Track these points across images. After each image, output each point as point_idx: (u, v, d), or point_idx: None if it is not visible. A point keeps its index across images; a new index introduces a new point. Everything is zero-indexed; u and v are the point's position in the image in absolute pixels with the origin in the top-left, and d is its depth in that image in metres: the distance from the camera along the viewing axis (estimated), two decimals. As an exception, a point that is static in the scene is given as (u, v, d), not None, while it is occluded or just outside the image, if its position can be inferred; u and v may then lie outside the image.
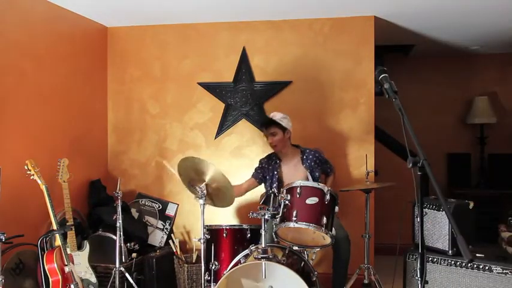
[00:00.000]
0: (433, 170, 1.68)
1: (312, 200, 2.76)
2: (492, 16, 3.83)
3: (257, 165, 3.57)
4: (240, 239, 2.98)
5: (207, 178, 2.92)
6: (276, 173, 3.44)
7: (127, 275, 3.23)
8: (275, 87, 4.02)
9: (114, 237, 3.30)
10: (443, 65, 5.32)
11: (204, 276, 2.89)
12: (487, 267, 2.75)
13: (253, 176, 3.55)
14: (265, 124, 3.43)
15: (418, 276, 1.77)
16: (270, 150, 4.05)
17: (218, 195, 3.06)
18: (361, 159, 3.85)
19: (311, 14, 3.89)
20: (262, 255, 2.52)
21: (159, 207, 3.97)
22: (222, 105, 4.09)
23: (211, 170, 2.88)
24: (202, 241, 2.89)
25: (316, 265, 3.84)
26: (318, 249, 2.99)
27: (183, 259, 3.64)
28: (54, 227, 2.83)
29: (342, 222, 3.41)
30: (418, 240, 1.80)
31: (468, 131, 5.31)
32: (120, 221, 3.22)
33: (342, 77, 3.96)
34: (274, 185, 3.38)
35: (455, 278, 2.86)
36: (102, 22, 4.15)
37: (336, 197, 2.86)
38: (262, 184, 3.56)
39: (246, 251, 2.79)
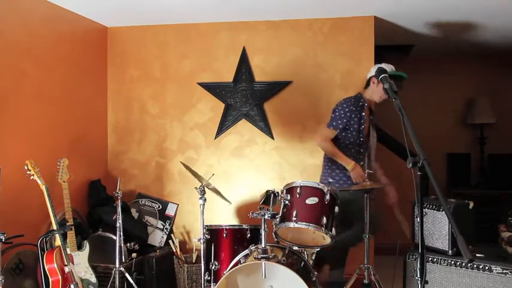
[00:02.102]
0: (433, 170, 1.68)
1: (311, 200, 2.75)
2: (492, 16, 3.83)
3: (339, 115, 3.32)
4: (240, 239, 2.98)
5: (203, 182, 2.99)
6: (363, 114, 3.35)
7: (127, 275, 3.23)
8: (275, 87, 4.02)
9: (114, 237, 3.30)
10: (443, 65, 5.32)
11: (204, 276, 2.90)
12: (487, 267, 2.75)
13: (334, 127, 3.33)
14: (401, 80, 3.30)
15: (418, 276, 1.77)
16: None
17: (218, 193, 3.14)
18: (361, 159, 3.85)
19: (311, 14, 3.89)
20: (262, 255, 2.52)
21: (159, 207, 3.97)
22: (222, 105, 4.09)
23: (204, 181, 2.99)
24: (202, 241, 2.89)
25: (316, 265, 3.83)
26: (318, 249, 2.99)
27: (183, 259, 3.64)
28: (54, 227, 2.83)
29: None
30: (418, 240, 1.80)
31: (468, 131, 5.32)
32: (120, 221, 3.22)
33: (342, 77, 3.96)
34: (362, 127, 3.33)
35: (455, 278, 2.86)
36: (102, 22, 4.15)
37: (336, 197, 2.86)
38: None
39: (246, 251, 2.78)
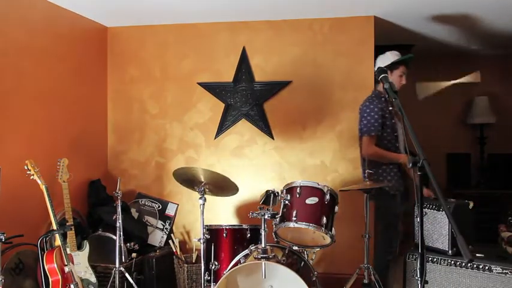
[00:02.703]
0: (433, 170, 1.68)
1: (311, 200, 2.75)
2: (492, 16, 3.84)
3: (371, 117, 3.18)
4: (240, 239, 2.98)
5: (202, 178, 2.95)
6: (391, 108, 3.24)
7: (127, 275, 3.23)
8: (275, 87, 4.02)
9: (114, 237, 3.30)
10: (443, 65, 5.32)
11: (204, 276, 2.90)
12: (487, 267, 2.75)
13: (373, 132, 3.19)
14: (411, 61, 3.27)
15: (418, 276, 1.76)
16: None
17: (220, 188, 3.09)
18: (361, 159, 3.85)
19: (311, 14, 3.89)
20: (262, 255, 2.52)
21: (159, 207, 3.97)
22: (222, 105, 4.09)
23: (202, 173, 2.93)
24: (202, 241, 2.89)
25: (316, 265, 3.84)
26: (318, 249, 2.99)
27: (183, 259, 3.64)
28: (54, 227, 2.83)
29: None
30: (418, 240, 1.80)
31: (468, 131, 5.32)
32: (120, 221, 3.22)
33: (342, 77, 3.96)
34: (393, 121, 3.22)
35: (455, 278, 2.86)
36: (102, 22, 4.15)
37: (336, 197, 2.86)
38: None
39: (246, 251, 2.79)
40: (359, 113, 3.31)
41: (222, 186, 3.04)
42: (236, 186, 3.01)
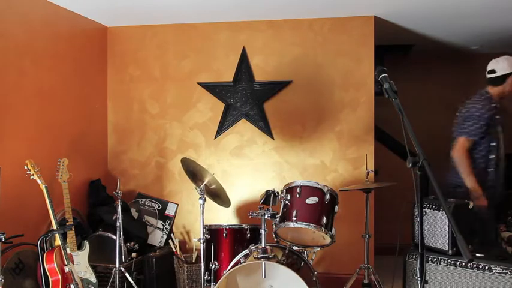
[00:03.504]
0: (433, 170, 1.68)
1: (311, 200, 2.76)
2: (491, 16, 3.83)
3: (480, 120, 3.11)
4: (239, 239, 2.98)
5: (206, 180, 2.99)
6: (497, 117, 3.12)
7: (127, 274, 3.23)
8: (275, 87, 4.02)
9: (114, 237, 3.31)
10: (443, 65, 5.32)
11: (204, 276, 2.90)
12: (487, 267, 2.75)
13: (473, 136, 3.14)
14: None
15: (418, 276, 1.77)
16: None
17: (217, 195, 3.14)
18: (361, 159, 3.85)
19: (311, 14, 3.89)
20: (262, 255, 2.52)
21: (159, 207, 3.97)
22: (222, 105, 4.09)
23: (208, 177, 2.97)
24: (202, 241, 2.89)
25: (316, 265, 3.84)
26: (318, 249, 2.99)
27: (183, 259, 3.64)
28: (54, 226, 2.84)
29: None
30: (418, 240, 1.80)
31: (468, 131, 5.31)
32: (120, 221, 3.22)
33: (342, 77, 3.96)
34: (494, 129, 3.09)
35: (455, 278, 2.86)
36: (102, 22, 4.15)
37: (336, 197, 2.86)
38: None
39: (246, 251, 2.79)
40: (465, 111, 3.21)
41: (218, 194, 3.10)
42: (229, 200, 3.12)
